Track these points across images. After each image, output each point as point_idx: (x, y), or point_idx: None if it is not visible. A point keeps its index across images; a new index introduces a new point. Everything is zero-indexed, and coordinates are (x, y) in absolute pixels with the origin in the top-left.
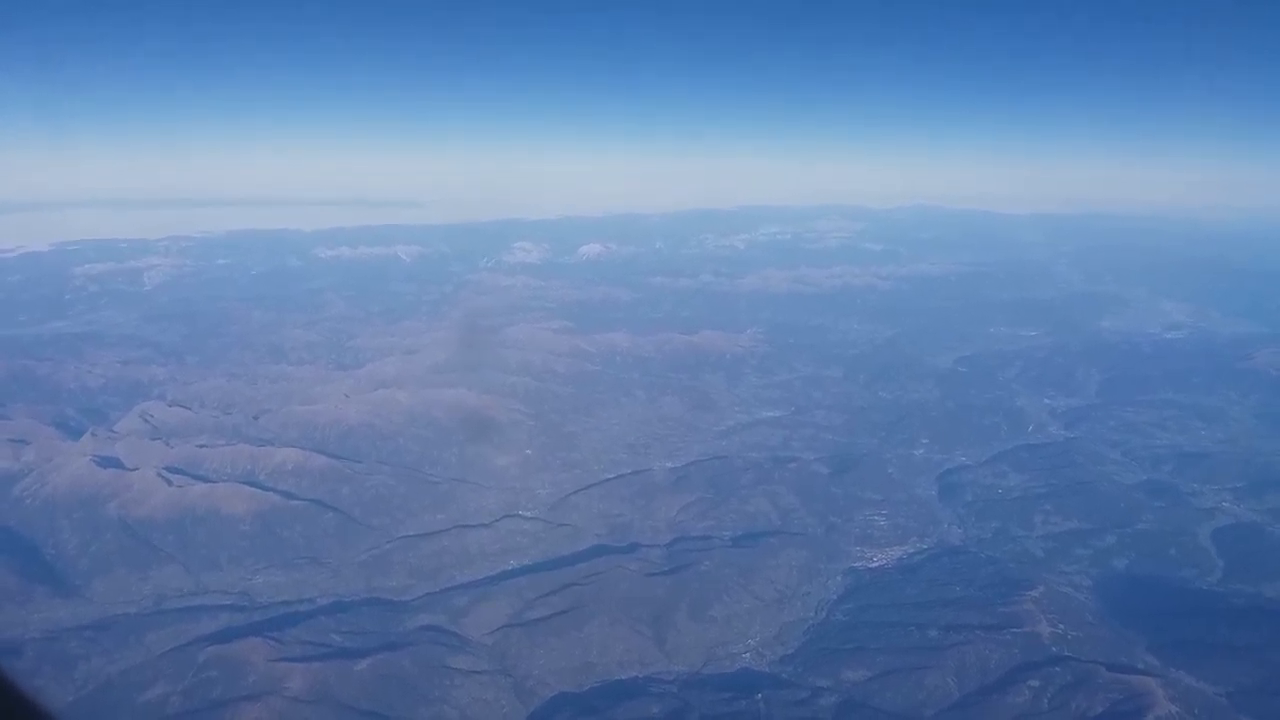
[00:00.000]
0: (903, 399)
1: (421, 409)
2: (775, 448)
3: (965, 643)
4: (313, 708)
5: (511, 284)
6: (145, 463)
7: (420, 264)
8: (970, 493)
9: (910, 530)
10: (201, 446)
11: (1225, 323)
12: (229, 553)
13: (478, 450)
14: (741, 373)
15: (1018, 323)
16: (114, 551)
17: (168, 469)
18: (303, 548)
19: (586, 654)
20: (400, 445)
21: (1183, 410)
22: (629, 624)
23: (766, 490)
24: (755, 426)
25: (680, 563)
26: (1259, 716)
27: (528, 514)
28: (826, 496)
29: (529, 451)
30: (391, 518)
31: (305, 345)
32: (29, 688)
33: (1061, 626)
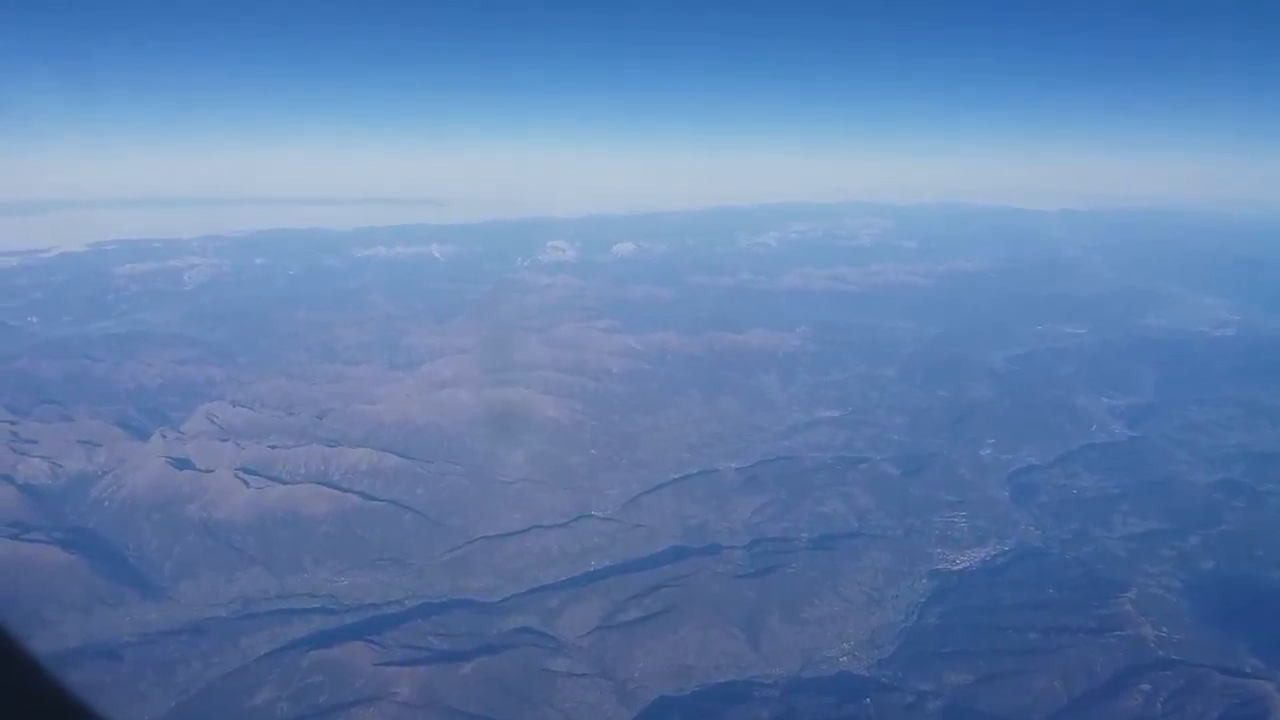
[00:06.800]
0: (961, 398)
1: (485, 408)
2: (840, 448)
3: (1068, 646)
4: (423, 713)
5: (551, 283)
6: (219, 464)
7: (456, 263)
8: (1044, 493)
9: (989, 532)
10: (273, 447)
11: (1271, 319)
12: (312, 554)
13: (544, 450)
14: (794, 372)
15: (1062, 319)
16: (197, 554)
17: (242, 470)
18: (384, 549)
19: (684, 657)
20: (467, 445)
21: (1246, 409)
22: (722, 626)
23: (840, 491)
24: (816, 426)
25: (764, 565)
26: None
27: (601, 514)
28: (901, 498)
29: (594, 451)
30: (468, 518)
31: (358, 345)
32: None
33: (1165, 629)
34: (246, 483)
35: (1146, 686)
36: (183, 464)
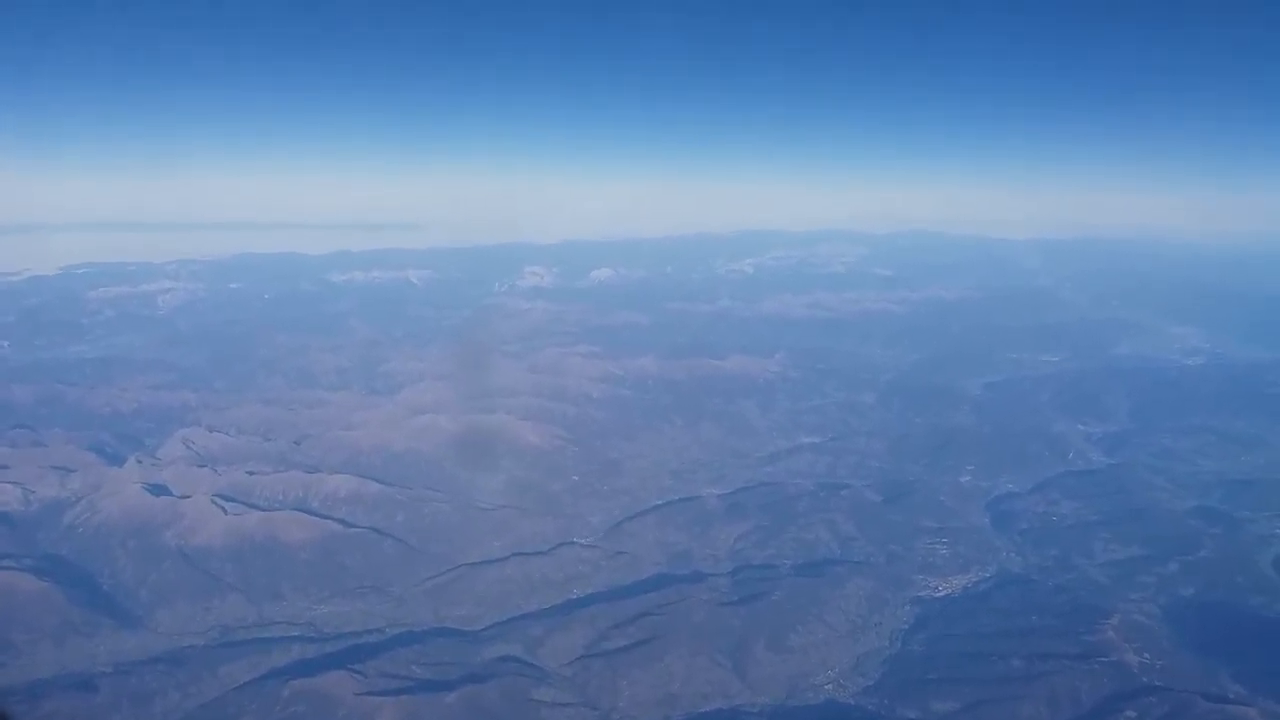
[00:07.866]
0: (940, 425)
1: (466, 434)
2: (821, 474)
3: (1053, 672)
4: None
5: (530, 309)
6: (196, 490)
7: (433, 288)
8: (1024, 520)
9: (970, 559)
10: (251, 474)
11: (1240, 348)
12: (291, 582)
13: (525, 476)
14: (774, 398)
15: (1037, 348)
16: (174, 581)
17: (220, 496)
18: (365, 576)
19: (669, 685)
20: (447, 471)
21: (1220, 436)
22: (708, 654)
23: (823, 518)
24: (798, 452)
25: (749, 592)
26: None
27: (583, 541)
28: (884, 524)
29: (575, 478)
30: (449, 545)
31: (335, 370)
32: None
33: (1148, 655)
34: (224, 509)
35: (1132, 713)
36: (159, 490)
